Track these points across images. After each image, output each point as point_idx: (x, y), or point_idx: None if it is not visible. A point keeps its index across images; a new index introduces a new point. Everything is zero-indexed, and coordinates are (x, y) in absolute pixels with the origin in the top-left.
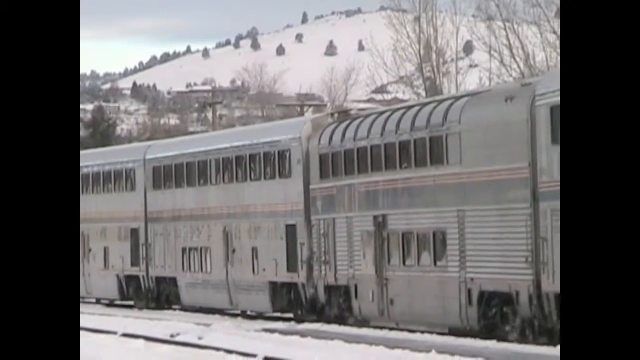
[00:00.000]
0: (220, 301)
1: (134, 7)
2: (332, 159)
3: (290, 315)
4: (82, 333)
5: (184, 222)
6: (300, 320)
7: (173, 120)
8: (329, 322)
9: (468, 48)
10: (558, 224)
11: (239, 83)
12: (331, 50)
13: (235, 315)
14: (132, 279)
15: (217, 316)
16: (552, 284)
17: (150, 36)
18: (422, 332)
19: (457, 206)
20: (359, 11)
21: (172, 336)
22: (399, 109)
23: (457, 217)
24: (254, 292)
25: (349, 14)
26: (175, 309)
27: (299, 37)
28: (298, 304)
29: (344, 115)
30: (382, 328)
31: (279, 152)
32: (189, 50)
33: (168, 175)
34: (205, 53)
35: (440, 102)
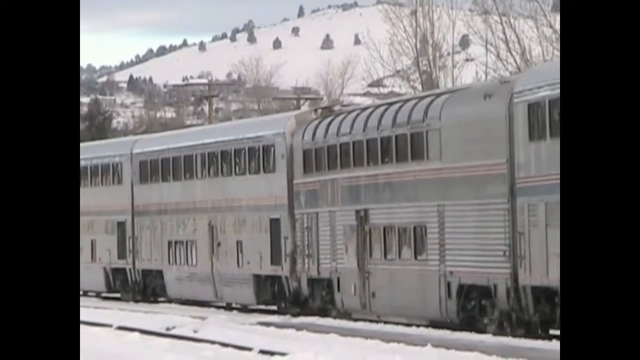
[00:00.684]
0: (206, 293)
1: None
2: (315, 154)
3: (274, 308)
4: None
5: (170, 216)
6: (284, 313)
7: (169, 113)
8: (312, 314)
9: (464, 42)
10: (535, 218)
11: (235, 76)
12: (327, 43)
13: (231, 309)
14: (118, 272)
15: (212, 309)
16: (528, 277)
17: (146, 29)
18: (417, 326)
19: (437, 201)
20: (355, 5)
21: (167, 329)
22: (380, 105)
23: (437, 211)
24: (238, 284)
25: (345, 7)
26: (161, 302)
27: (295, 31)
28: (282, 297)
29: (327, 111)
30: (377, 322)
31: (263, 147)
32: (185, 43)
33: (154, 169)
34: (202, 46)
35: (421, 98)
